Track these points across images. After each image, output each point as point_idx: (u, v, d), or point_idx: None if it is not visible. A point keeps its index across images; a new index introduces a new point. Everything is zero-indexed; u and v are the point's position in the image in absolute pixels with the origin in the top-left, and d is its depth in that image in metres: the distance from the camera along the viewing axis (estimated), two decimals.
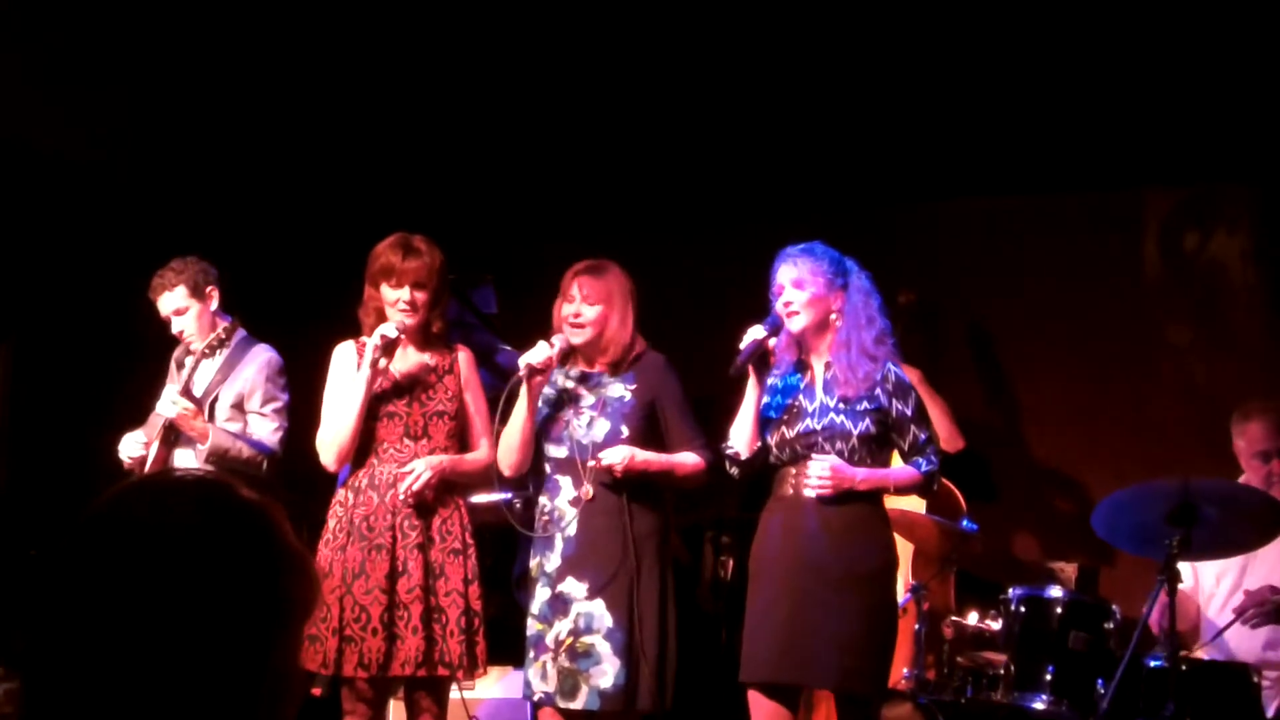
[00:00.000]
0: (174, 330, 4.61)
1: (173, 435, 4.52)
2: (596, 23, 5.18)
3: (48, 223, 5.82)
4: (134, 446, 4.55)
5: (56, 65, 5.41)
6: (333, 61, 5.50)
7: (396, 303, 4.12)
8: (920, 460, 3.89)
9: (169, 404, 4.44)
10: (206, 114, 5.74)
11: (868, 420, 3.87)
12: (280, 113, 5.81)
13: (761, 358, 3.93)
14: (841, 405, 3.88)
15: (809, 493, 3.84)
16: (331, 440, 4.13)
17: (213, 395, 4.54)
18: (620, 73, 5.49)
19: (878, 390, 3.89)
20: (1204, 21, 4.83)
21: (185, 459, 4.50)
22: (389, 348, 4.08)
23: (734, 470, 4.01)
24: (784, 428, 3.94)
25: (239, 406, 4.54)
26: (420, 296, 4.13)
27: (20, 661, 1.27)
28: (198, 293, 4.58)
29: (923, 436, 3.90)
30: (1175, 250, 5.80)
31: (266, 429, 4.53)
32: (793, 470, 3.92)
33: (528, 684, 4.10)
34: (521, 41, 5.32)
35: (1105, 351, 5.78)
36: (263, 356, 4.60)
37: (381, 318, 4.14)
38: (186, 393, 4.46)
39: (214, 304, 4.62)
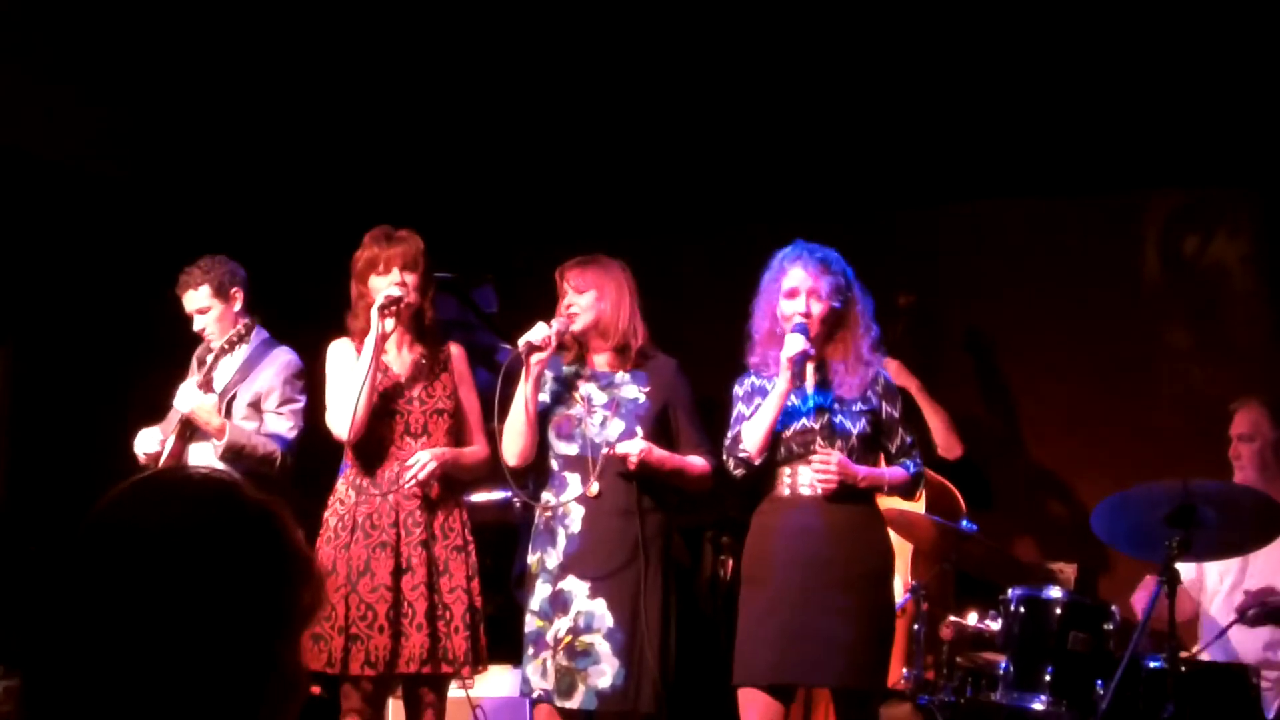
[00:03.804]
0: (195, 328, 4.62)
1: (189, 430, 4.51)
2: (598, 23, 5.18)
3: (47, 225, 5.82)
4: (150, 442, 4.54)
5: (56, 69, 5.41)
6: (330, 59, 5.50)
7: (390, 286, 4.13)
8: (908, 462, 4.02)
9: (186, 398, 4.44)
10: (205, 117, 5.74)
11: (863, 421, 3.95)
12: (277, 115, 5.81)
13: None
14: (837, 406, 3.95)
15: (817, 486, 3.87)
16: (345, 412, 4.09)
17: (231, 394, 4.53)
18: (623, 74, 5.49)
19: (869, 392, 3.99)
20: (1205, 25, 4.83)
21: (201, 454, 4.49)
22: (394, 304, 4.08)
23: (739, 471, 4.00)
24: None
25: (256, 406, 4.53)
26: (411, 279, 4.15)
27: (21, 661, 1.27)
28: (221, 293, 4.60)
29: (909, 439, 4.04)
30: (1175, 254, 5.80)
31: (282, 427, 4.51)
32: (788, 470, 3.94)
33: (526, 681, 4.08)
34: (523, 42, 5.33)
35: (1105, 355, 5.78)
36: (283, 359, 4.60)
37: None
38: (206, 386, 4.46)
39: (238, 305, 4.63)
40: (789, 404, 3.94)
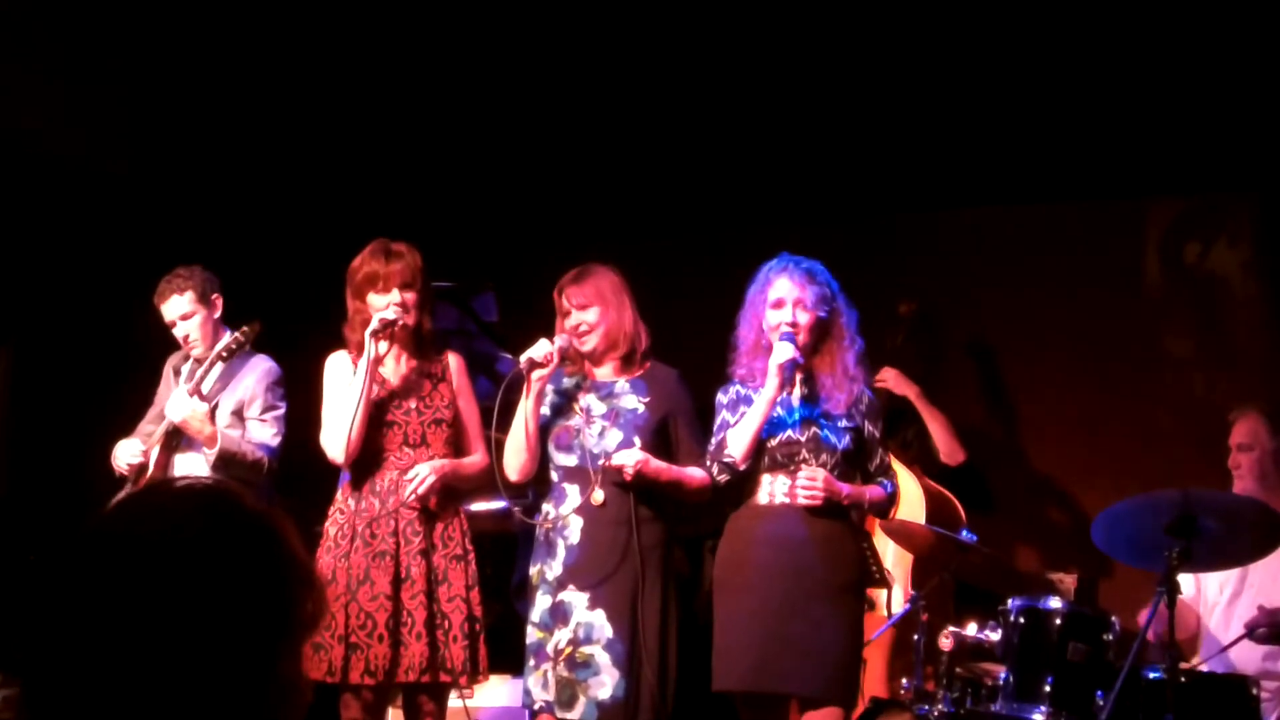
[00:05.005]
0: (178, 335, 4.64)
1: (175, 440, 4.53)
2: (597, 31, 5.18)
3: (49, 226, 5.82)
4: (130, 453, 4.55)
5: (58, 70, 5.41)
6: (330, 67, 5.50)
7: (387, 307, 4.13)
8: (885, 482, 4.12)
9: (180, 407, 4.45)
10: (206, 121, 5.75)
11: (847, 438, 4.03)
12: (279, 123, 5.81)
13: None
14: (824, 420, 4.02)
15: (799, 497, 3.91)
16: (339, 433, 4.10)
17: (213, 402, 4.55)
18: (622, 81, 5.49)
19: (854, 410, 4.06)
20: (1206, 30, 4.83)
21: (187, 464, 4.51)
22: (388, 328, 4.09)
23: (723, 477, 4.05)
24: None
25: (239, 414, 4.57)
26: (409, 297, 4.15)
27: (21, 669, 1.26)
28: (204, 299, 4.64)
29: (887, 459, 4.16)
30: (1176, 261, 5.80)
31: (266, 434, 4.55)
32: (769, 478, 4.00)
33: (528, 692, 4.08)
34: (524, 50, 5.33)
35: (1106, 362, 5.78)
36: (262, 366, 4.64)
37: None
38: (197, 394, 4.47)
39: (218, 312, 4.68)
40: (775, 415, 3.99)
